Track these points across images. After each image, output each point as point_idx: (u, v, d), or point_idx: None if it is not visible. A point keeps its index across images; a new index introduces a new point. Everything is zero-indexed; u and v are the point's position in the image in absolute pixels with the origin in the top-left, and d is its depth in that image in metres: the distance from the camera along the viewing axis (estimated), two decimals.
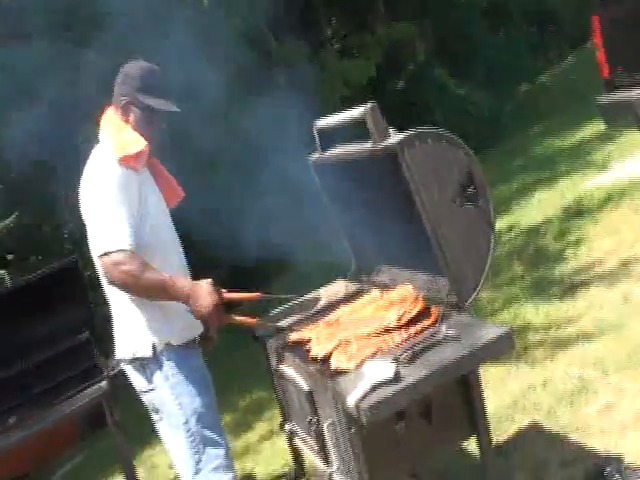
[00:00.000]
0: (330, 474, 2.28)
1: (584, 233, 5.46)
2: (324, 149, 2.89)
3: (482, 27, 14.27)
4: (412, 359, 2.07)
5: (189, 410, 2.47)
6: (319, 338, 2.47)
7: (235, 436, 4.99)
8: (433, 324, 2.30)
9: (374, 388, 1.95)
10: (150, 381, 2.50)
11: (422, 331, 2.27)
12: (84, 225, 2.48)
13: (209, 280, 2.41)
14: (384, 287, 2.75)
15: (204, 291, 2.35)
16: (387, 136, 2.33)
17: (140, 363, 2.50)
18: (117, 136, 2.47)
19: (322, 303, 2.97)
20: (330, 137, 2.87)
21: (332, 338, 2.40)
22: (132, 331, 2.50)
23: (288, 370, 2.55)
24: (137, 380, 2.56)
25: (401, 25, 13.00)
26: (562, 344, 4.02)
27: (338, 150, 2.78)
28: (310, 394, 2.35)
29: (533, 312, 4.60)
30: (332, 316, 2.68)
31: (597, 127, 8.20)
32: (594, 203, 5.88)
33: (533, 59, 15.16)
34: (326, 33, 13.78)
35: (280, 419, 2.99)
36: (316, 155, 2.96)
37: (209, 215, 5.41)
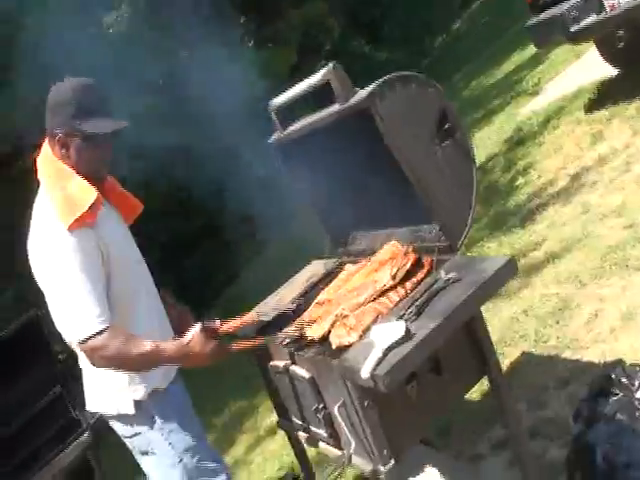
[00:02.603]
0: (349, 456, 2.10)
1: (531, 159, 5.40)
2: (284, 127, 2.68)
3: None
4: (418, 313, 1.92)
5: (182, 447, 2.29)
6: (313, 320, 2.29)
7: (221, 454, 4.81)
8: (428, 273, 2.16)
9: (386, 353, 1.81)
10: (136, 427, 2.31)
11: (419, 283, 2.13)
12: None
13: (198, 326, 2.20)
14: (363, 254, 2.60)
15: (197, 344, 2.16)
16: (354, 93, 2.20)
17: (124, 416, 2.30)
18: (60, 191, 2.13)
19: (302, 289, 2.75)
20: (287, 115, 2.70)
21: (327, 316, 2.22)
22: (110, 388, 2.29)
23: (283, 363, 2.37)
24: (120, 428, 2.36)
25: (311, 5, 12.91)
26: (533, 270, 3.93)
27: (300, 123, 2.59)
28: (312, 380, 2.19)
29: (497, 248, 4.51)
30: (320, 296, 2.47)
31: (520, 57, 8.22)
32: (534, 128, 5.82)
33: (444, 10, 15.27)
34: (239, 30, 13.57)
35: (272, 420, 2.83)
36: (276, 135, 2.74)
37: None
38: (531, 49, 7.91)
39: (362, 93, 2.13)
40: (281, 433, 4.38)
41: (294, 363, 2.29)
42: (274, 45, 12.78)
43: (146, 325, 2.27)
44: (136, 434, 2.32)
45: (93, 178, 2.22)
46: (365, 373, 1.79)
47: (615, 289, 3.25)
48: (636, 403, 2.25)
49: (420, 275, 2.16)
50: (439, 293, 1.98)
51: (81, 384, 2.44)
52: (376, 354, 1.81)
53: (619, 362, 2.40)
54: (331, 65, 2.21)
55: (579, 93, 5.67)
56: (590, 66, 5.90)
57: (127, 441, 2.39)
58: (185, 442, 2.29)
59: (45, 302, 2.21)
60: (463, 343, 2.07)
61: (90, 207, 2.11)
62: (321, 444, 2.38)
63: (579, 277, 3.53)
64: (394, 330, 1.85)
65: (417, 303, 1.96)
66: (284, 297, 2.79)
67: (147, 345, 2.12)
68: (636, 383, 2.25)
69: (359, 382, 1.85)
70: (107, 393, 2.32)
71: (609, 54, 5.20)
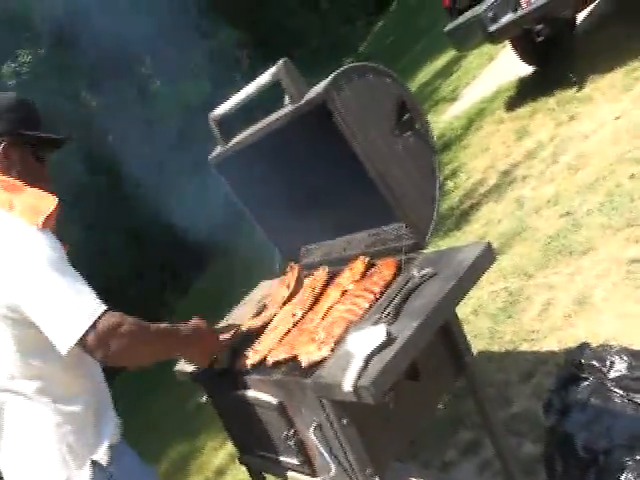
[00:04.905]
0: None
1: (458, 162, 5.40)
2: (226, 140, 2.46)
3: (299, 15, 14.43)
4: (396, 314, 1.75)
5: None
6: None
7: None
8: (396, 275, 1.99)
9: (367, 361, 1.63)
10: None
11: (388, 286, 1.95)
12: None
13: (195, 317, 2.06)
14: (319, 266, 2.43)
15: (204, 326, 2.03)
16: (306, 91, 2.01)
17: None
18: (17, 199, 1.79)
19: (255, 310, 2.56)
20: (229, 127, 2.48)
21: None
22: (55, 450, 1.83)
23: (243, 391, 2.14)
24: None
25: (220, 35, 12.86)
26: None
27: (246, 133, 2.36)
28: (281, 405, 1.98)
29: None
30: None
31: (433, 67, 8.34)
32: (457, 132, 5.85)
33: (349, 33, 15.51)
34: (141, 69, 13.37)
35: (220, 460, 2.58)
36: (218, 150, 2.51)
37: None
38: (442, 59, 8.07)
39: (317, 88, 1.95)
40: (232, 473, 4.14)
41: (256, 389, 2.08)
42: (184, 80, 12.66)
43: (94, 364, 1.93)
44: None
45: None
46: (348, 386, 1.60)
47: (563, 276, 3.21)
48: (609, 385, 2.17)
49: (388, 277, 1.99)
50: (416, 291, 1.81)
51: None
52: (357, 364, 1.62)
53: (585, 346, 2.32)
54: (281, 62, 2.02)
55: (498, 93, 5.75)
56: (505, 67, 6.00)
57: None
58: None
59: None
60: (438, 343, 1.91)
61: (54, 211, 1.79)
62: (292, 474, 2.17)
63: (525, 270, 3.49)
64: (373, 335, 1.67)
65: (394, 303, 1.79)
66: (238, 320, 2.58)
67: (160, 324, 1.86)
68: (607, 364, 2.18)
69: (339, 397, 1.67)
70: (50, 459, 1.84)
71: (525, 52, 5.28)
